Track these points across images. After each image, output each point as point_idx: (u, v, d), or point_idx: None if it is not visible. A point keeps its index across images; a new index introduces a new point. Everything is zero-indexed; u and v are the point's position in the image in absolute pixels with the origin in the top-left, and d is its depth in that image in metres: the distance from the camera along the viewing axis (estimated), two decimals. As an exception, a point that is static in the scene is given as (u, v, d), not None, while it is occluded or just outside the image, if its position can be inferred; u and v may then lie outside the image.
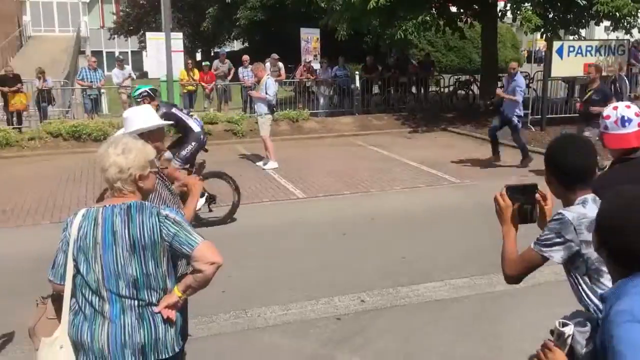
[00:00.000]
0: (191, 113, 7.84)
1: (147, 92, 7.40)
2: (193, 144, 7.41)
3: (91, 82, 15.39)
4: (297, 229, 7.53)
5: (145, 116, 3.94)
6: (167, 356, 2.57)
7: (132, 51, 37.14)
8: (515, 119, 10.56)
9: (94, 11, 40.47)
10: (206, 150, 7.81)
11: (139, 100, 7.46)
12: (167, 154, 7.34)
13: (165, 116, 7.16)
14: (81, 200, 8.91)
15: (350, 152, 12.87)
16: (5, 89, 14.29)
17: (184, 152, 7.40)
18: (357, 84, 17.25)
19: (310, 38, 19.72)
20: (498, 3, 16.30)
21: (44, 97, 15.00)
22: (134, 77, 17.55)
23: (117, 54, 31.98)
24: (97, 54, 30.36)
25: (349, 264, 6.25)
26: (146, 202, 2.66)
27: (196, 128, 7.48)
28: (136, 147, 2.65)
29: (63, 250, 2.61)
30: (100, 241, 2.53)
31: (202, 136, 7.60)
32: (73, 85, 17.92)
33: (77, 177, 10.55)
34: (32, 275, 5.91)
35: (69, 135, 12.90)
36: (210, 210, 7.60)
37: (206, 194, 7.28)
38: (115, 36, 35.53)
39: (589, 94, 9.47)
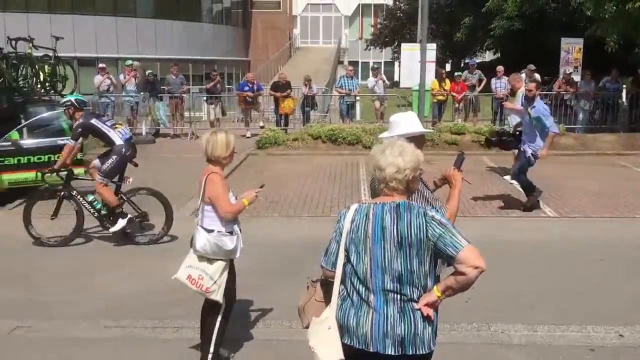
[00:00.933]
0: (116, 125, 7.59)
1: (71, 101, 7.47)
2: (114, 157, 7.24)
3: (349, 89, 16.49)
4: (546, 248, 7.12)
5: (410, 122, 4.12)
6: (423, 352, 2.66)
7: (385, 61, 38.78)
8: (529, 151, 8.46)
9: (354, 24, 43.25)
10: (135, 165, 7.60)
11: (64, 109, 7.69)
12: (96, 162, 7.45)
13: (81, 126, 7.31)
14: (334, 198, 9.64)
15: (611, 172, 11.71)
16: (278, 94, 16.11)
17: (104, 167, 7.25)
18: (624, 98, 15.59)
19: (571, 48, 18.42)
20: None
21: (308, 103, 16.54)
22: (387, 82, 18.29)
23: (371, 64, 33.74)
24: (353, 63, 32.37)
25: (606, 292, 5.72)
26: (413, 202, 2.79)
27: (118, 140, 7.29)
28: (410, 150, 2.80)
29: (336, 240, 2.86)
30: (370, 235, 2.72)
31: (124, 149, 7.32)
32: (332, 92, 19.41)
33: (332, 176, 11.41)
34: (292, 260, 6.62)
35: (326, 137, 14.01)
36: (143, 228, 7.62)
37: (128, 215, 7.29)
38: (371, 47, 37.46)
39: None
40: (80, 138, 7.44)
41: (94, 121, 7.40)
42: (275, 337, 4.83)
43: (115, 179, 7.46)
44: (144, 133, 15.91)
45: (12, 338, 4.90)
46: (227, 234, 4.13)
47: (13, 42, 10.70)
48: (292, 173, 11.66)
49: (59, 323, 5.15)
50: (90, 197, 7.47)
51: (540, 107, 8.46)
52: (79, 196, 7.42)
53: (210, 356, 4.22)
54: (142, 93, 16.14)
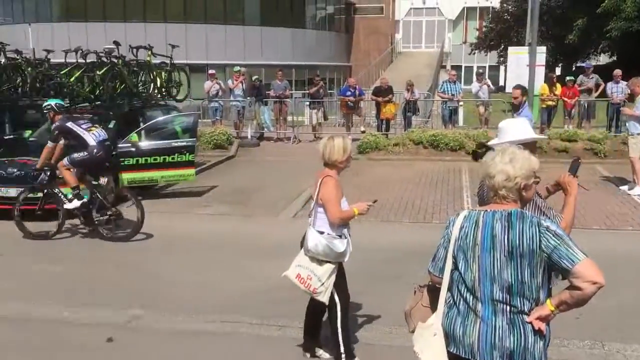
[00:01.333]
0: (91, 128, 7.99)
1: (51, 106, 8.03)
2: (85, 153, 7.76)
3: (452, 94, 16.19)
4: (668, 265, 6.62)
5: (520, 128, 4.00)
6: (533, 367, 2.57)
7: (489, 65, 37.69)
8: None
9: (458, 28, 42.40)
10: (107, 166, 8.36)
11: (45, 112, 8.22)
12: (64, 161, 7.81)
13: (58, 129, 7.84)
14: (436, 204, 9.51)
15: None
16: (379, 99, 16.12)
17: (75, 155, 7.79)
18: None
19: (700, 49, 17.02)
20: None
21: (410, 108, 16.41)
22: (492, 87, 17.78)
23: (475, 68, 32.93)
24: (456, 68, 31.72)
25: None
26: (526, 211, 2.70)
27: (91, 142, 7.80)
28: (522, 156, 2.71)
29: (444, 246, 2.83)
30: (479, 243, 2.66)
31: (95, 150, 7.79)
32: (434, 97, 19.14)
33: (433, 182, 11.25)
34: (393, 265, 6.61)
35: (428, 143, 13.82)
36: (118, 226, 7.97)
37: (84, 199, 7.82)
38: (476, 51, 36.56)
39: None
40: (62, 140, 7.93)
41: (69, 124, 7.90)
42: (376, 342, 4.84)
43: (91, 179, 8.06)
44: (249, 136, 16.48)
45: (129, 327, 5.25)
46: (337, 237, 4.19)
47: (134, 50, 11.48)
48: (393, 178, 11.62)
49: (171, 315, 5.45)
50: (70, 195, 7.94)
51: (524, 115, 7.93)
52: (60, 194, 7.97)
53: (343, 356, 4.27)
54: (248, 98, 16.71)
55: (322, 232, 4.17)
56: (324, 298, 4.20)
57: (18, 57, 11.71)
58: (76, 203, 7.84)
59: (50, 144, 7.92)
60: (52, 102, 8.20)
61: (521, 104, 7.98)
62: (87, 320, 5.34)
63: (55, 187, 8.05)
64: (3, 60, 11.66)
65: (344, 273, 4.40)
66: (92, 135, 7.89)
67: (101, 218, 7.95)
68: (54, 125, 7.96)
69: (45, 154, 7.93)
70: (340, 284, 4.30)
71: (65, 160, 7.81)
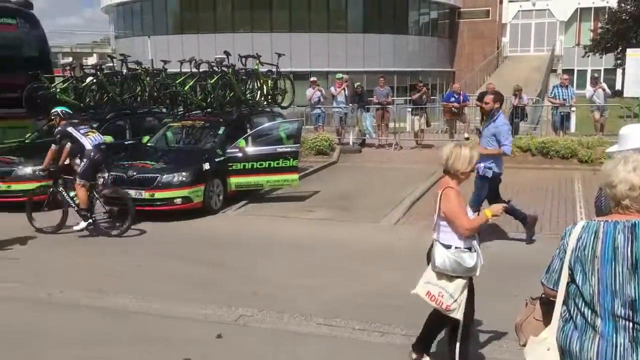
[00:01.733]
0: (89, 133, 8.49)
1: (57, 112, 8.70)
2: (85, 161, 8.36)
3: (563, 99, 15.43)
4: None
5: (644, 134, 3.77)
6: (665, 389, 2.40)
7: (605, 69, 35.53)
8: (482, 166, 7.42)
9: (570, 30, 40.33)
10: (104, 168, 8.72)
11: (52, 118, 8.82)
12: (77, 180, 8.40)
13: (59, 133, 8.48)
14: (546, 214, 9.15)
15: None
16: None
17: (79, 170, 8.37)
18: None
19: None
20: None
21: (518, 114, 15.83)
22: (608, 91, 16.74)
23: (589, 72, 31.16)
24: (568, 72, 30.20)
25: None
26: (653, 223, 2.54)
27: (88, 146, 8.33)
28: (648, 164, 2.55)
29: (559, 257, 2.70)
30: (599, 255, 2.52)
31: (92, 153, 8.33)
32: (543, 103, 18.33)
33: (542, 191, 10.79)
34: (503, 276, 6.38)
35: (537, 150, 13.26)
36: (113, 223, 8.53)
37: (89, 221, 8.39)
38: (590, 54, 34.63)
39: None
40: (68, 143, 8.44)
41: (69, 129, 8.50)
42: (487, 355, 4.68)
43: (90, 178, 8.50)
44: (350, 143, 16.58)
45: (237, 324, 5.46)
46: (466, 250, 4.01)
47: (243, 60, 11.95)
48: (500, 186, 11.23)
49: (278, 315, 5.60)
50: (72, 194, 8.64)
51: (501, 123, 7.52)
52: (64, 192, 8.62)
53: None
54: (350, 104, 16.83)
55: (449, 246, 4.01)
56: (458, 315, 4.03)
57: (138, 68, 12.56)
58: (82, 224, 8.51)
59: (53, 146, 8.58)
60: (59, 109, 8.90)
61: (494, 111, 7.55)
62: (199, 317, 5.62)
63: (59, 186, 8.65)
64: (125, 71, 12.56)
65: (473, 288, 4.22)
66: (89, 140, 8.47)
67: (97, 214, 8.54)
68: (56, 129, 8.64)
69: (49, 156, 8.60)
70: (469, 299, 4.12)
71: (77, 179, 8.43)
